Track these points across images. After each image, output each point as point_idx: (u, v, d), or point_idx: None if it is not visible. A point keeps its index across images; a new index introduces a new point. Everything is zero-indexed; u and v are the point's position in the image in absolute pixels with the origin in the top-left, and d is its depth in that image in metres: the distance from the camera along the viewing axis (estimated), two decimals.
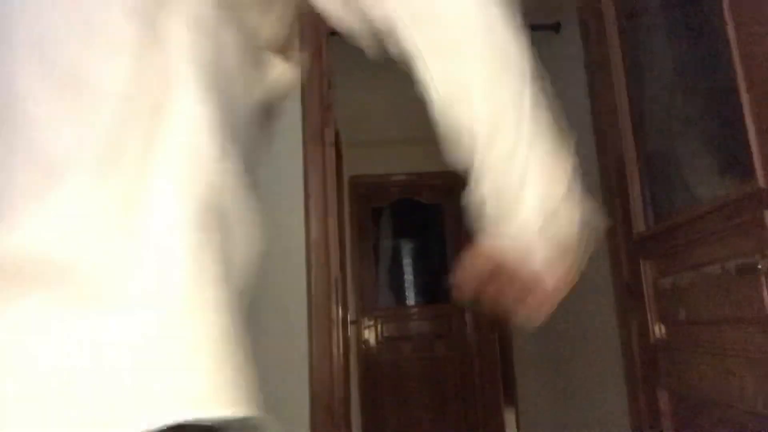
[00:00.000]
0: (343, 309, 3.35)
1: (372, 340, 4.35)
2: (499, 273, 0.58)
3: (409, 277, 4.50)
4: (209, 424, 0.42)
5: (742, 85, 1.09)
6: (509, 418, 3.93)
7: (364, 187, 4.56)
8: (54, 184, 0.44)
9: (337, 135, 2.35)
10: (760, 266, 1.03)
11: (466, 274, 0.59)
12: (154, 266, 0.44)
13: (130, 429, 0.40)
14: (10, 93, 0.47)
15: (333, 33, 2.23)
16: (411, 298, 4.49)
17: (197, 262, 0.45)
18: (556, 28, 2.39)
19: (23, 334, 0.42)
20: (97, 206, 0.44)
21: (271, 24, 0.61)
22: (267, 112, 0.64)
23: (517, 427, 3.53)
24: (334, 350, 1.72)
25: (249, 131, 0.59)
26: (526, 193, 0.55)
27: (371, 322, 4.37)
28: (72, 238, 0.44)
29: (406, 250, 4.55)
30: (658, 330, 1.54)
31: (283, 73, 0.64)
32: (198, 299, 0.44)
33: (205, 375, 0.43)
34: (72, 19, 0.48)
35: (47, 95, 0.47)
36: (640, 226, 1.64)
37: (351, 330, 3.88)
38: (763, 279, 1.05)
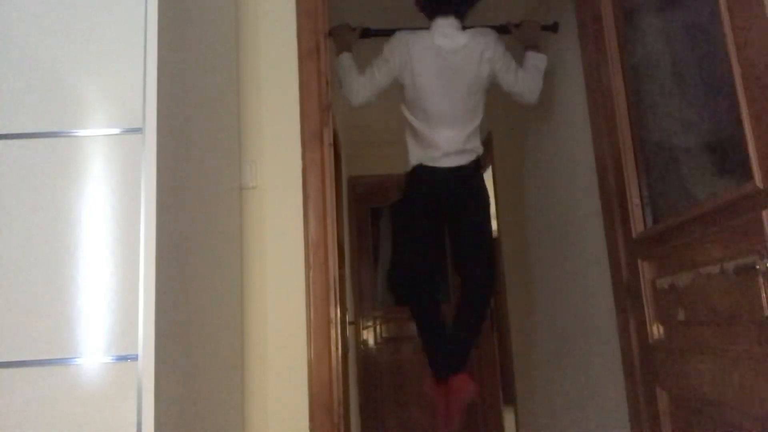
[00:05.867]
0: (341, 310, 3.35)
1: (371, 341, 4.35)
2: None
3: None
4: None
5: (739, 85, 1.09)
6: (509, 418, 3.93)
7: (363, 188, 4.56)
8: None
9: (335, 135, 2.35)
10: (758, 266, 1.03)
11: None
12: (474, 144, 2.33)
13: None
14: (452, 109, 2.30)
15: (331, 33, 2.23)
16: None
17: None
18: (554, 27, 2.39)
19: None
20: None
21: None
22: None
23: (517, 427, 3.53)
24: (333, 351, 1.72)
25: None
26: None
27: (370, 323, 4.37)
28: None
29: None
30: (657, 330, 1.54)
31: None
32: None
33: None
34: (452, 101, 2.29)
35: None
36: (638, 226, 1.64)
37: (350, 331, 3.88)
38: (761, 279, 1.05)
